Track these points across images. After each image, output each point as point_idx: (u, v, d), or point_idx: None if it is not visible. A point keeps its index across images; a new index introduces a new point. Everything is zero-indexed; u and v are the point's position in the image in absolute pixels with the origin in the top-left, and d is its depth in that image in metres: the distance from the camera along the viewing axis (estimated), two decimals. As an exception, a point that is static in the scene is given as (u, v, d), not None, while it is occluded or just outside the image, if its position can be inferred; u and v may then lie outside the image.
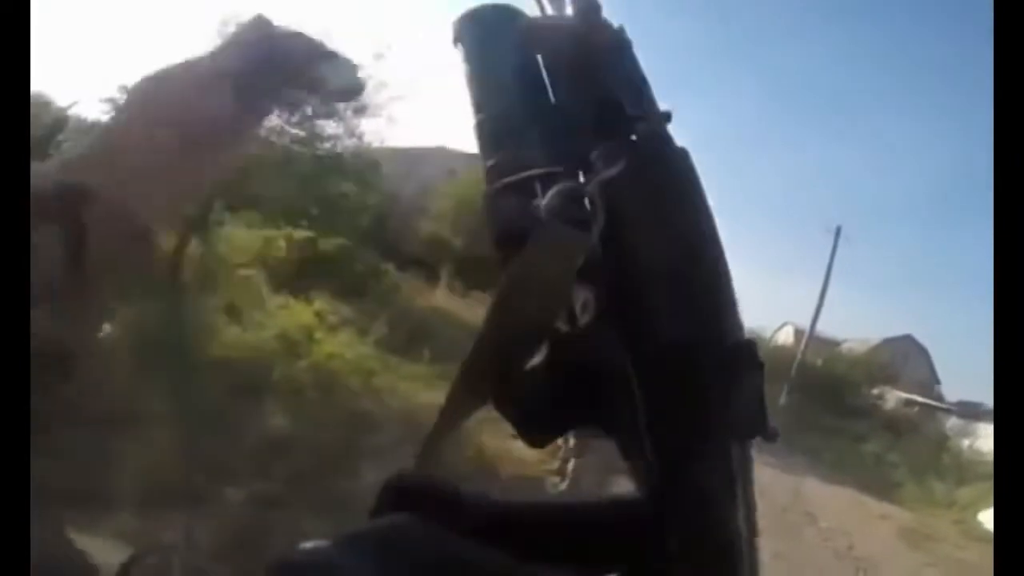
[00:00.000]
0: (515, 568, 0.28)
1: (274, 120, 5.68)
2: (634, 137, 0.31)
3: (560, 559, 0.31)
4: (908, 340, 20.05)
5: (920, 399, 15.22)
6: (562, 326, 0.32)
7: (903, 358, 18.65)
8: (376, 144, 8.14)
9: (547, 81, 0.34)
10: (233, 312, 5.32)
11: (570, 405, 0.31)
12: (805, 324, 17.37)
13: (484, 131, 0.34)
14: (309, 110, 6.46)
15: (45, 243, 0.34)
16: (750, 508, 0.32)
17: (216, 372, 4.19)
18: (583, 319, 0.32)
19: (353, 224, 7.95)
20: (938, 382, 19.35)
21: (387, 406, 4.71)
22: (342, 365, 5.30)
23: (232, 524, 2.56)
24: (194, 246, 5.29)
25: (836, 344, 18.86)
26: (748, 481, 0.32)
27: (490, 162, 0.33)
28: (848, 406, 14.67)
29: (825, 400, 14.47)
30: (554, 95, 0.34)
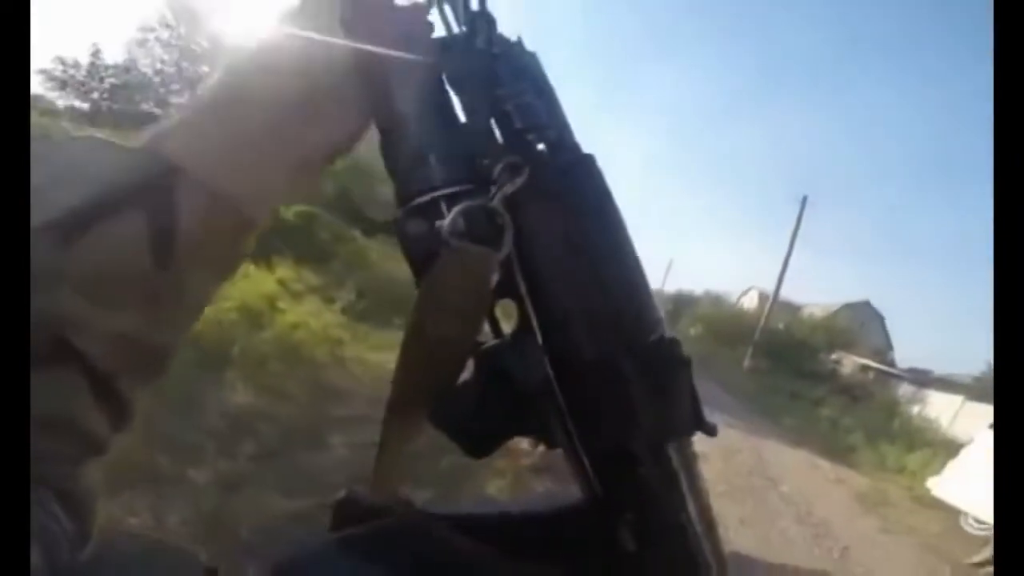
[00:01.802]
0: (512, 568, 0.31)
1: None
2: (540, 147, 0.31)
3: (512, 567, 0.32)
4: (866, 306, 20.90)
5: (875, 365, 15.93)
6: (488, 339, 0.33)
7: (860, 324, 19.44)
8: None
9: (453, 99, 0.32)
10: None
11: (504, 416, 0.32)
12: (770, 289, 17.83)
13: (388, 152, 0.32)
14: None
15: (130, 233, 0.26)
16: (700, 501, 0.33)
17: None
18: (508, 331, 0.32)
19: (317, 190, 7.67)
20: (891, 348, 20.35)
21: (355, 376, 4.57)
22: (308, 335, 5.11)
23: (197, 506, 2.42)
24: None
25: (798, 308, 19.49)
26: (694, 476, 0.33)
27: (397, 185, 0.32)
28: (808, 370, 15.19)
29: (786, 364, 14.98)
30: (462, 113, 0.32)
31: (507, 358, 0.31)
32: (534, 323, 0.31)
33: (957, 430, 11.19)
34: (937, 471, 6.99)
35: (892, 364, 17.12)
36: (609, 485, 0.32)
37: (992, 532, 5.41)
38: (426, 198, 0.30)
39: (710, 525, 0.34)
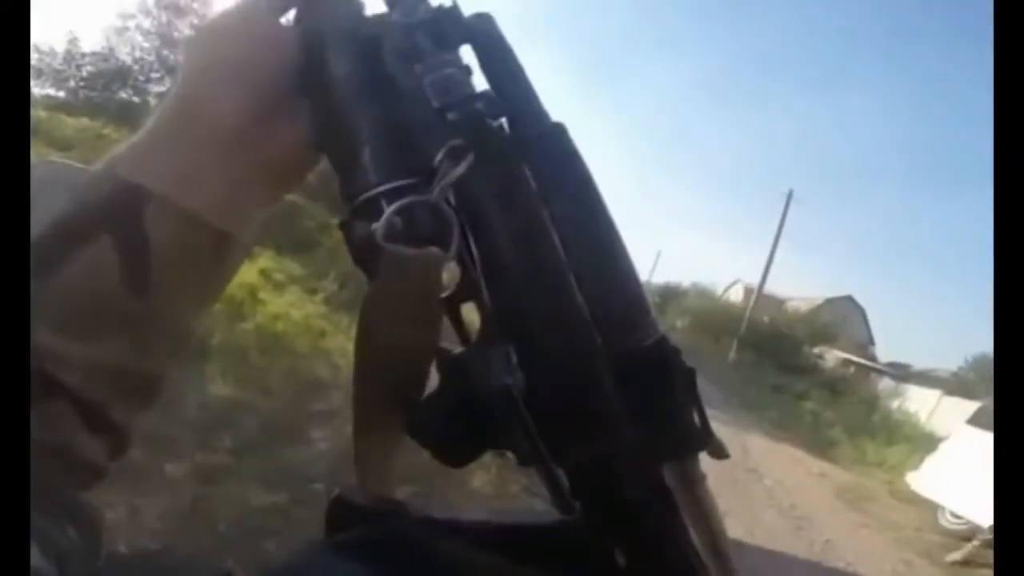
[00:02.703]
0: (506, 572, 0.29)
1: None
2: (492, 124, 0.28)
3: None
4: (848, 301, 21.22)
5: (856, 359, 16.19)
6: (453, 347, 0.30)
7: (843, 318, 19.73)
8: None
9: (390, 86, 0.28)
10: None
11: (473, 428, 0.28)
12: (755, 282, 17.99)
13: (326, 146, 0.30)
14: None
15: (99, 260, 0.25)
16: (706, 529, 0.31)
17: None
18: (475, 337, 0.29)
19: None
20: (873, 343, 20.70)
21: (337, 368, 4.48)
22: (289, 326, 5.02)
23: (174, 499, 2.35)
24: None
25: (782, 302, 19.74)
26: (697, 500, 0.30)
27: (339, 183, 0.29)
28: (791, 364, 15.35)
29: (771, 357, 15.13)
30: (399, 99, 0.28)
31: (470, 365, 0.28)
32: (495, 326, 0.28)
33: (935, 424, 11.39)
34: (916, 466, 7.12)
35: (873, 358, 17.43)
36: (588, 507, 0.29)
37: (969, 527, 5.57)
38: (366, 196, 0.27)
39: (719, 554, 0.31)
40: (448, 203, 0.27)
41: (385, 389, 0.29)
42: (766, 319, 17.24)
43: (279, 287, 5.66)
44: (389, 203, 0.26)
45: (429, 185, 0.26)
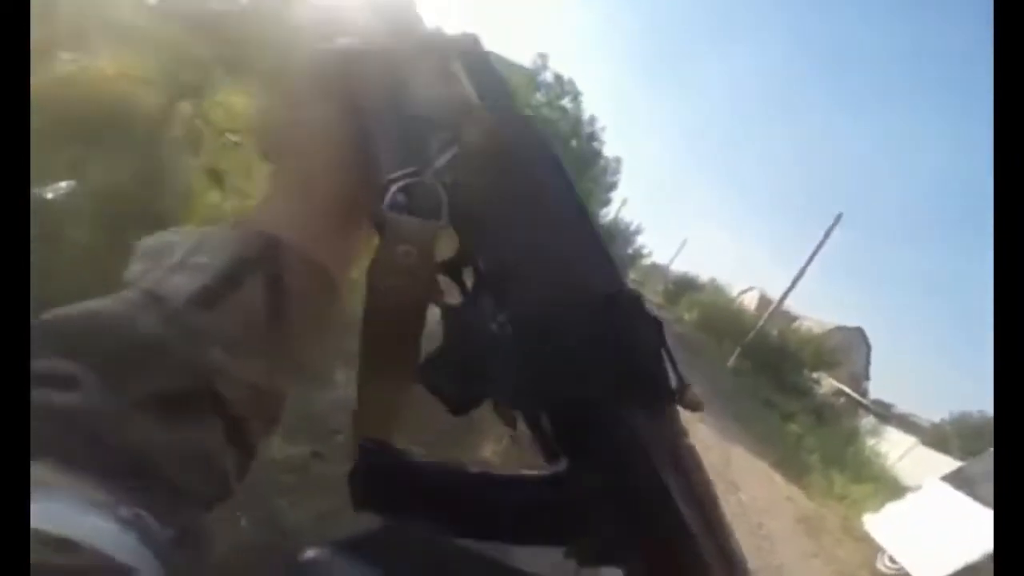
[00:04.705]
0: (506, 570, 0.31)
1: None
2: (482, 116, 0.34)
3: (511, 535, 0.33)
4: (858, 333, 21.10)
5: (849, 391, 16.31)
6: (452, 300, 0.35)
7: (848, 348, 19.71)
8: None
9: (401, 96, 0.35)
10: (215, 176, 4.82)
11: (478, 375, 0.33)
12: (772, 292, 17.84)
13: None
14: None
15: (252, 298, 0.32)
16: (692, 487, 0.32)
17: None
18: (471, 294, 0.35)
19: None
20: (868, 378, 20.77)
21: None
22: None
23: None
24: (184, 106, 4.66)
25: (793, 319, 19.61)
26: (679, 450, 0.33)
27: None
28: (788, 382, 15.47)
29: (770, 371, 15.22)
30: (408, 107, 0.35)
31: (463, 314, 0.35)
32: (484, 282, 0.34)
33: (901, 469, 11.67)
34: (875, 507, 7.35)
35: (865, 393, 17.59)
36: (570, 454, 0.32)
37: (899, 574, 5.87)
38: (383, 183, 0.34)
39: (711, 520, 0.33)
40: (444, 185, 0.33)
41: (388, 340, 0.35)
42: (775, 332, 17.24)
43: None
44: (398, 184, 0.34)
45: (424, 172, 0.34)
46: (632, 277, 21.95)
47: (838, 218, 15.28)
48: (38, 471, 0.23)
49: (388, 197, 0.33)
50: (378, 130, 0.36)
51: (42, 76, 4.33)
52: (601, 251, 0.34)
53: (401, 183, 0.33)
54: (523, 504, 0.34)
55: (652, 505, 0.32)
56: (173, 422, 0.28)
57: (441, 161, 0.33)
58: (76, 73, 4.77)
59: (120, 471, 0.25)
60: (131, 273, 0.32)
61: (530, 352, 0.32)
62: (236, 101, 6.23)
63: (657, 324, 0.33)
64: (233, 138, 5.60)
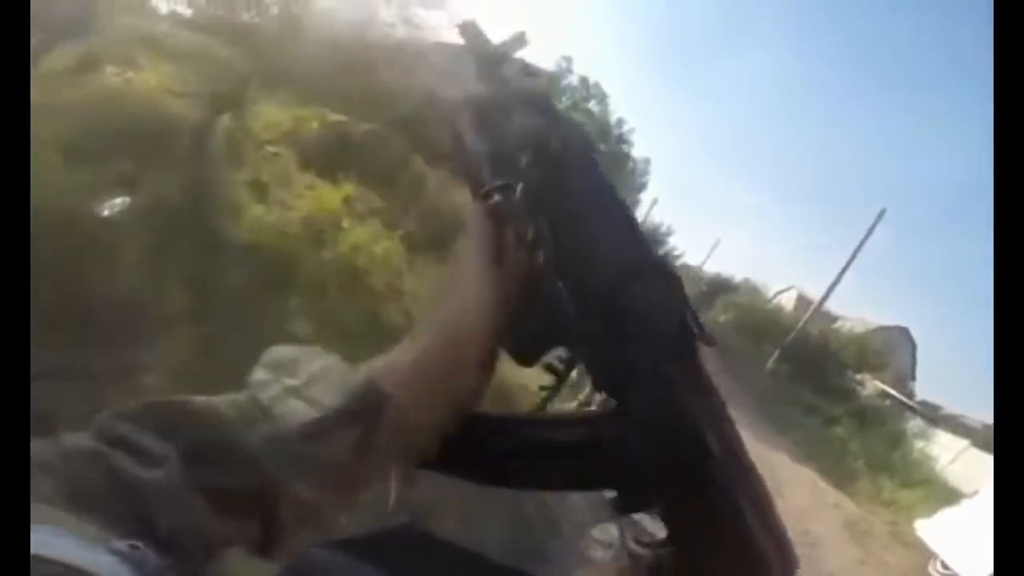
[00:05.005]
0: (508, 571, 0.35)
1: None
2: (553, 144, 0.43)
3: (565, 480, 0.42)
4: (903, 332, 20.23)
5: (896, 394, 15.62)
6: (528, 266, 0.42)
7: (892, 348, 18.93)
8: (435, 39, 7.66)
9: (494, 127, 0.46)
10: (258, 188, 4.93)
11: (544, 335, 0.42)
12: (811, 291, 17.29)
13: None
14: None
15: (346, 439, 0.36)
16: (725, 434, 0.39)
17: (237, 258, 3.94)
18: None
19: (390, 113, 7.54)
20: (914, 378, 19.91)
21: (410, 317, 4.50)
22: (368, 262, 5.08)
23: None
24: (225, 119, 4.80)
25: (834, 319, 18.96)
26: (705, 383, 0.40)
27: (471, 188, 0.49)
28: (830, 385, 14.95)
29: (811, 374, 14.73)
30: (501, 134, 0.46)
31: (540, 288, 0.41)
32: (553, 265, 0.41)
33: (952, 473, 11.15)
34: (928, 513, 7.05)
35: (911, 395, 16.81)
36: (619, 397, 0.39)
37: None
38: (486, 189, 0.45)
39: (743, 466, 0.39)
40: (525, 196, 0.42)
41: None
42: (816, 332, 16.67)
43: (360, 218, 5.71)
44: (496, 193, 0.44)
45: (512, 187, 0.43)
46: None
47: (881, 214, 14.72)
48: (46, 512, 0.25)
49: (483, 193, 0.44)
50: (474, 150, 0.46)
51: (90, 89, 4.53)
52: (636, 232, 0.43)
53: (496, 184, 0.43)
54: (572, 444, 0.40)
55: (684, 444, 0.37)
56: (224, 513, 0.30)
57: (527, 179, 0.42)
58: (121, 86, 4.97)
59: (151, 533, 0.27)
60: (254, 379, 0.36)
61: (586, 314, 0.39)
62: (273, 112, 6.41)
63: (679, 282, 0.40)
64: (272, 149, 5.76)
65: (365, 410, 0.36)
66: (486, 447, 0.41)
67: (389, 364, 0.41)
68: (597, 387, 0.40)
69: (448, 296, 0.44)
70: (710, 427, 0.38)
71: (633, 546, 0.40)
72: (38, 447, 0.27)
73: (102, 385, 2.04)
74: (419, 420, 0.39)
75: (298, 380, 0.36)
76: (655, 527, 0.40)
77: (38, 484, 0.26)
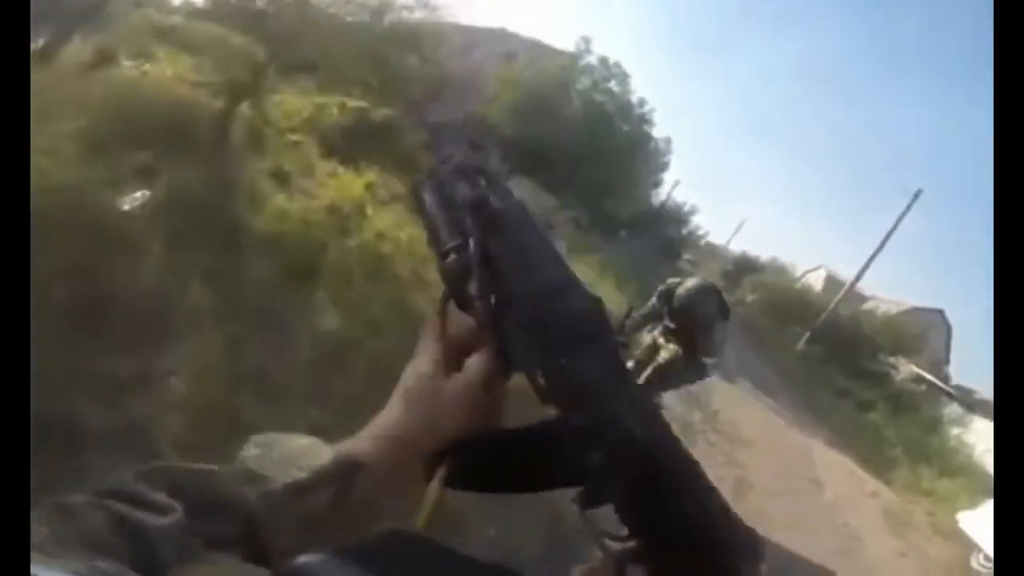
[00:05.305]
0: (500, 571, 0.36)
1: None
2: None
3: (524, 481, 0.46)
4: (937, 315, 19.62)
5: (931, 378, 15.13)
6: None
7: (926, 330, 18.37)
8: (449, 19, 7.74)
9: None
10: (280, 177, 4.82)
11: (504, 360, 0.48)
12: (841, 271, 16.78)
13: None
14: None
15: (324, 497, 0.42)
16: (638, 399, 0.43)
17: (262, 248, 3.83)
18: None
19: (407, 96, 7.48)
20: (948, 362, 19.32)
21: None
22: (393, 248, 4.96)
23: None
24: (244, 108, 4.69)
25: (865, 300, 18.46)
26: (621, 377, 0.44)
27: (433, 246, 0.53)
28: (863, 368, 14.52)
29: (843, 356, 14.32)
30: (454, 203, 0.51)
31: (498, 323, 0.46)
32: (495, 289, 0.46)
33: (990, 462, 10.81)
34: (967, 504, 6.85)
35: (947, 379, 16.30)
36: (557, 400, 0.43)
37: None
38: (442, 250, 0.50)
39: (675, 449, 0.42)
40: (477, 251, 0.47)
41: None
42: (847, 314, 16.13)
43: (384, 204, 5.59)
44: (452, 252, 0.48)
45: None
46: (687, 258, 21.18)
47: (917, 194, 14.15)
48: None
49: (441, 260, 0.49)
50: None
51: (108, 82, 4.46)
52: (559, 259, 0.48)
53: (454, 244, 0.48)
54: (531, 445, 0.44)
55: (615, 439, 0.40)
56: (219, 549, 0.34)
57: (476, 238, 0.46)
58: (139, 79, 4.89)
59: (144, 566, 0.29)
60: (246, 453, 0.42)
61: (520, 327, 0.44)
62: (293, 100, 6.30)
63: (597, 300, 0.46)
64: (293, 137, 5.66)
65: (342, 474, 0.42)
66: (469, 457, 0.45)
67: (366, 434, 0.47)
68: (542, 397, 0.43)
69: (415, 362, 0.48)
70: (634, 419, 0.41)
71: (605, 541, 0.41)
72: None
73: (127, 393, 1.94)
74: (394, 479, 0.45)
75: (283, 453, 0.42)
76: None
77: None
